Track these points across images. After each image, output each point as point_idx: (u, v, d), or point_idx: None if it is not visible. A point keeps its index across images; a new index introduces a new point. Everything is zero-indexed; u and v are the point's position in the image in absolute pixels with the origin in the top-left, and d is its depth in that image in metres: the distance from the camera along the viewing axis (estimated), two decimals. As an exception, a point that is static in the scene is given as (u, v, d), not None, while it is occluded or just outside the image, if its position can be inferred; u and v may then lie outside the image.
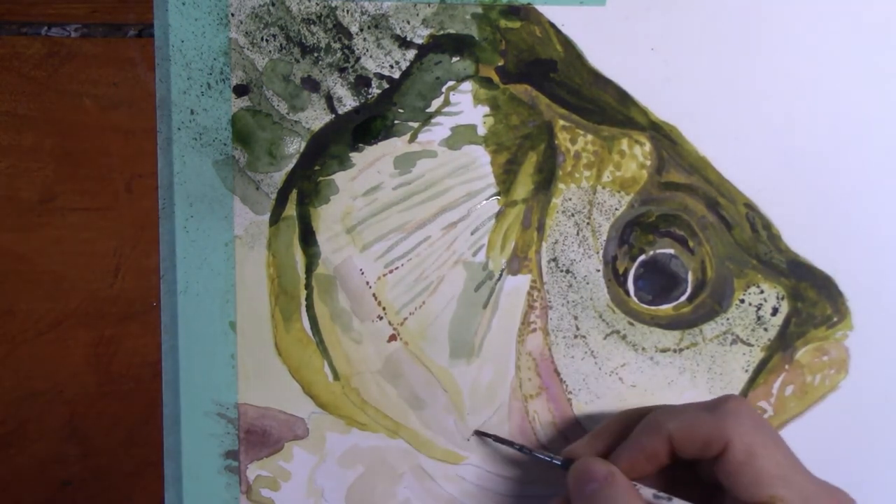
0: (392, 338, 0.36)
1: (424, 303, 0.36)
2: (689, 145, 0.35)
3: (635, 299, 0.36)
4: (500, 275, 0.36)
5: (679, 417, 0.30)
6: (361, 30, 0.35)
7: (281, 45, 0.34)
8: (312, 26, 0.34)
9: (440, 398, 0.36)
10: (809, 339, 0.36)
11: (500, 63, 0.35)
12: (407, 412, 0.36)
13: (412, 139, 0.35)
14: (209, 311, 0.35)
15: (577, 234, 0.36)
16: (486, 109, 0.35)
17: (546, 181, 0.35)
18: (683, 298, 0.36)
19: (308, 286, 0.36)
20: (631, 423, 0.32)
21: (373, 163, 0.35)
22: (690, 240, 0.36)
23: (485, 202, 0.35)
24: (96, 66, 0.35)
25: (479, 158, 0.35)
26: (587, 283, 0.36)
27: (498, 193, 0.35)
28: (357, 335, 0.36)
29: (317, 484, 0.36)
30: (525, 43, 0.35)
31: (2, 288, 0.36)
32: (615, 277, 0.36)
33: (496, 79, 0.35)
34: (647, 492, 0.30)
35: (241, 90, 0.35)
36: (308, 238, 0.35)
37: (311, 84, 0.35)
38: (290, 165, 0.35)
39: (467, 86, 0.35)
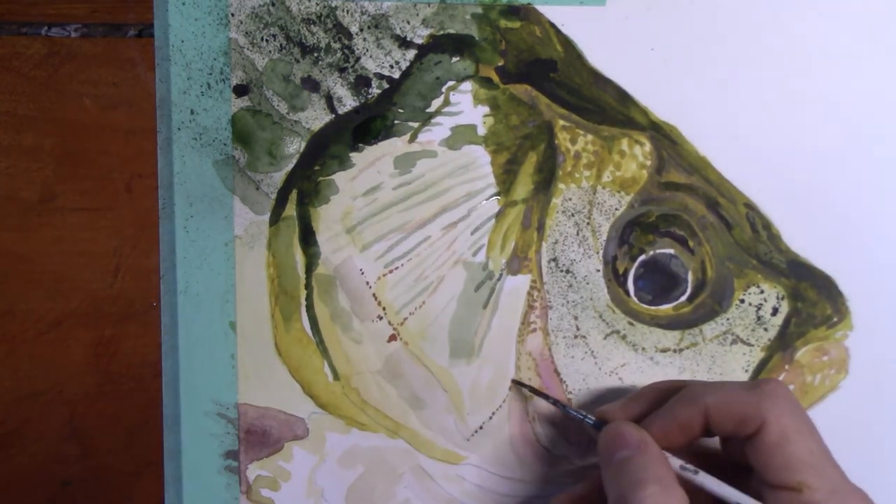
0: (392, 338, 0.36)
1: (424, 303, 0.36)
2: (689, 145, 0.35)
3: (635, 299, 0.36)
4: (500, 275, 0.36)
5: (717, 392, 0.30)
6: (361, 30, 0.35)
7: (281, 45, 0.34)
8: (312, 26, 0.34)
9: (440, 398, 0.36)
10: (809, 339, 0.36)
11: (500, 63, 0.35)
12: (407, 412, 0.36)
13: (412, 139, 0.35)
14: (209, 311, 0.35)
15: (577, 234, 0.36)
16: (486, 109, 0.35)
17: (546, 181, 0.35)
18: (683, 298, 0.36)
19: (308, 286, 0.36)
20: (666, 393, 0.32)
21: (373, 163, 0.35)
22: (690, 240, 0.36)
23: (485, 202, 0.35)
24: (96, 66, 0.35)
25: (479, 158, 0.35)
26: (587, 283, 0.36)
27: (498, 193, 0.35)
28: (357, 335, 0.36)
29: (317, 484, 0.36)
30: (525, 43, 0.35)
31: (2, 288, 0.36)
32: (615, 277, 0.36)
33: (496, 79, 0.35)
34: (675, 462, 0.30)
35: (241, 90, 0.35)
36: (308, 238, 0.35)
37: (311, 84, 0.35)
38: (290, 165, 0.35)
39: (467, 86, 0.35)
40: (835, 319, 0.36)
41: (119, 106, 0.35)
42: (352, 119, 0.35)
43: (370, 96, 0.35)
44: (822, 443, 0.29)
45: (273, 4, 0.34)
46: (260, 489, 0.36)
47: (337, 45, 0.35)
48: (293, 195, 0.35)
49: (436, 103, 0.35)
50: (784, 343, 0.36)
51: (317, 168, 0.35)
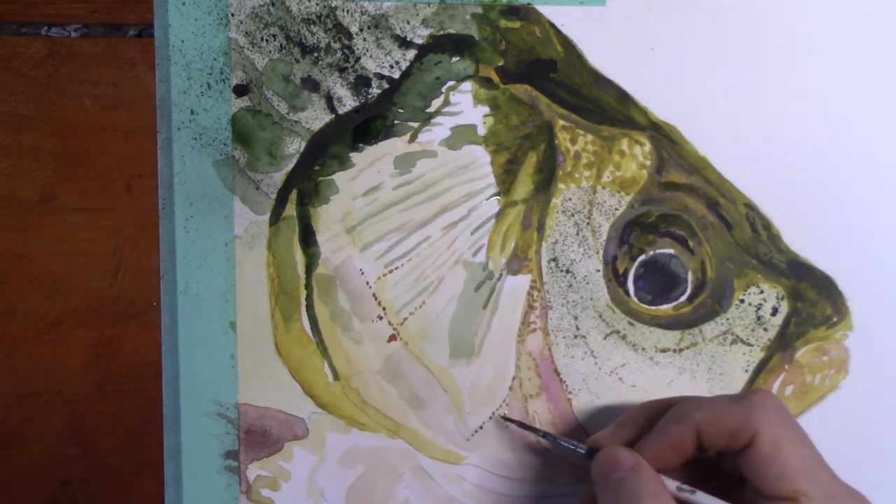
0: (392, 338, 0.36)
1: (424, 303, 0.36)
2: (689, 145, 0.35)
3: (635, 299, 0.36)
4: (500, 275, 0.36)
5: (706, 408, 0.30)
6: (361, 30, 0.35)
7: (281, 45, 0.34)
8: (312, 26, 0.34)
9: (440, 398, 0.36)
10: (809, 339, 0.36)
11: (500, 63, 0.35)
12: (407, 412, 0.36)
13: (412, 139, 0.35)
14: (209, 311, 0.35)
15: (577, 234, 0.36)
16: (486, 109, 0.35)
17: (546, 181, 0.35)
18: (683, 298, 0.36)
19: (308, 286, 0.36)
20: (655, 414, 0.32)
21: (373, 163, 0.35)
22: (690, 240, 0.36)
23: (485, 202, 0.35)
24: (96, 66, 0.35)
25: (479, 158, 0.35)
26: (587, 283, 0.36)
27: (498, 193, 0.35)
28: (357, 335, 0.36)
29: (317, 484, 0.36)
30: (525, 43, 0.35)
31: (2, 288, 0.36)
32: (615, 277, 0.36)
33: (496, 79, 0.35)
34: (671, 484, 0.30)
35: (241, 90, 0.35)
36: (308, 238, 0.35)
37: (311, 84, 0.35)
38: (290, 165, 0.35)
39: (467, 86, 0.35)
40: (835, 319, 0.36)
41: (119, 106, 0.35)
42: (352, 119, 0.35)
43: (370, 96, 0.35)
44: (814, 449, 0.29)
45: (273, 4, 0.34)
46: (260, 489, 0.36)
47: (337, 45, 0.35)
48: (293, 195, 0.35)
49: (436, 103, 0.35)
50: (784, 343, 0.36)
51: (317, 168, 0.35)
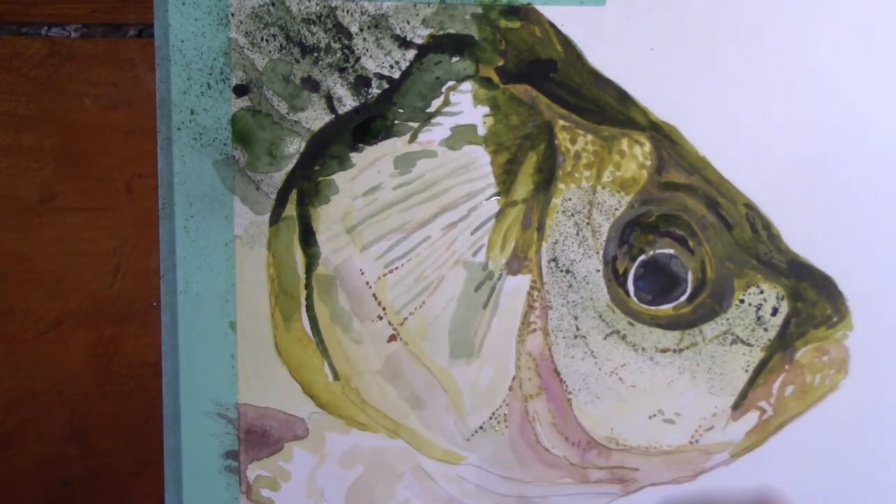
0: (392, 338, 0.36)
1: (424, 303, 0.36)
2: (689, 145, 0.35)
3: (635, 299, 0.36)
4: (500, 275, 0.36)
5: None
6: (361, 30, 0.35)
7: (281, 45, 0.34)
8: (312, 26, 0.34)
9: (440, 398, 0.36)
10: (809, 339, 0.36)
11: (500, 63, 0.35)
12: (407, 412, 0.36)
13: (412, 139, 0.35)
14: (209, 311, 0.35)
15: (577, 234, 0.36)
16: (486, 109, 0.35)
17: (546, 181, 0.35)
18: (683, 298, 0.36)
19: (308, 286, 0.36)
20: None
21: (373, 163, 0.35)
22: (690, 240, 0.36)
23: (485, 202, 0.35)
24: (96, 66, 0.35)
25: (479, 158, 0.35)
26: (587, 283, 0.36)
27: (498, 193, 0.35)
28: (357, 335, 0.36)
29: (317, 484, 0.36)
30: (525, 43, 0.35)
31: (2, 288, 0.36)
32: (615, 277, 0.36)
33: (496, 79, 0.35)
34: None
35: (241, 90, 0.35)
36: (308, 238, 0.35)
37: (311, 84, 0.35)
38: (290, 165, 0.35)
39: (467, 86, 0.35)
40: (834, 319, 0.36)
41: (119, 106, 0.35)
42: (352, 119, 0.35)
43: (370, 96, 0.35)
44: None
45: (273, 4, 0.34)
46: (260, 489, 0.36)
47: (337, 45, 0.35)
48: (293, 195, 0.35)
49: (436, 103, 0.35)
50: (784, 343, 0.36)
51: (317, 168, 0.35)
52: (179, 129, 0.35)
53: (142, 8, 0.35)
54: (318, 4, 0.34)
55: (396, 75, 0.35)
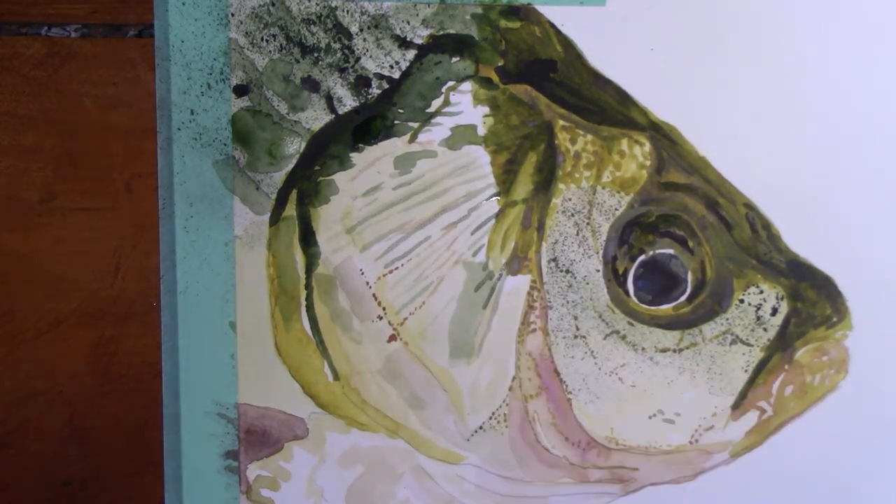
0: (392, 338, 0.36)
1: (424, 303, 0.36)
2: (689, 145, 0.35)
3: (635, 299, 0.36)
4: (500, 275, 0.36)
5: None
6: (361, 30, 0.35)
7: (281, 45, 0.34)
8: (312, 26, 0.34)
9: (440, 398, 0.36)
10: (809, 339, 0.36)
11: (500, 63, 0.35)
12: (407, 412, 0.36)
13: (412, 139, 0.35)
14: (209, 311, 0.35)
15: (577, 234, 0.36)
16: (486, 109, 0.35)
17: (546, 181, 0.35)
18: (683, 298, 0.36)
19: (308, 286, 0.36)
20: None
21: (373, 163, 0.35)
22: (690, 240, 0.36)
23: (485, 202, 0.35)
24: (96, 66, 0.35)
25: (479, 158, 0.35)
26: (587, 283, 0.36)
27: (498, 193, 0.35)
28: (357, 335, 0.36)
29: (317, 484, 0.36)
30: (525, 43, 0.35)
31: (2, 288, 0.36)
32: (615, 277, 0.36)
33: (496, 79, 0.35)
34: None
35: (241, 90, 0.35)
36: (308, 238, 0.35)
37: (311, 84, 0.35)
38: (290, 165, 0.35)
39: (467, 86, 0.35)
40: (834, 319, 0.36)
41: (119, 106, 0.35)
42: (352, 119, 0.35)
43: (370, 96, 0.35)
44: None
45: (273, 4, 0.34)
46: (260, 489, 0.36)
47: (337, 45, 0.35)
48: (293, 195, 0.35)
49: (436, 103, 0.35)
50: (784, 343, 0.36)
51: (317, 168, 0.35)
52: (179, 129, 0.35)
53: (142, 8, 0.35)
54: (318, 4, 0.34)
55: (396, 75, 0.35)
